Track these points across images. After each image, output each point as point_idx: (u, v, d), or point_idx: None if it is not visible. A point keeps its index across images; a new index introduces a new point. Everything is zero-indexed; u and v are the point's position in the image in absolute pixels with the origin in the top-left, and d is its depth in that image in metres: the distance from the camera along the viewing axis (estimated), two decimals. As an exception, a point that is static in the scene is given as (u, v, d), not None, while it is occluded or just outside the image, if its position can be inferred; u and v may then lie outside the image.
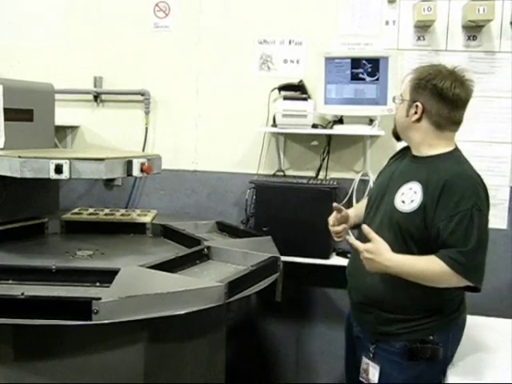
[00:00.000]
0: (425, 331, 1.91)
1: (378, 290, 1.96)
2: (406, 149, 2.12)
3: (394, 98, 2.13)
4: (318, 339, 3.17)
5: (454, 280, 1.79)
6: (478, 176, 1.91)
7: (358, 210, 2.29)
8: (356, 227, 2.23)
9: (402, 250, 1.87)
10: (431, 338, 1.90)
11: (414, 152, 2.02)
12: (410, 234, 1.88)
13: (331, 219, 2.21)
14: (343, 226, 2.20)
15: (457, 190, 1.81)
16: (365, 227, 1.92)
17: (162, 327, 1.94)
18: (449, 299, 1.95)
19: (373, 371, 1.98)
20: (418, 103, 1.94)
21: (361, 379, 2.02)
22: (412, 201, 1.88)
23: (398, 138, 2.12)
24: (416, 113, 1.95)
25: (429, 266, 1.81)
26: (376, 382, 1.96)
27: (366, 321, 2.04)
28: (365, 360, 2.02)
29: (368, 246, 1.87)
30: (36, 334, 1.80)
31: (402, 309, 1.93)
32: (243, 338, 3.17)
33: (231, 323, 2.53)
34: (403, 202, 1.91)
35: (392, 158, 2.23)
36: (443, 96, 1.90)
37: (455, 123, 1.97)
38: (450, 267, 1.77)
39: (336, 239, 2.24)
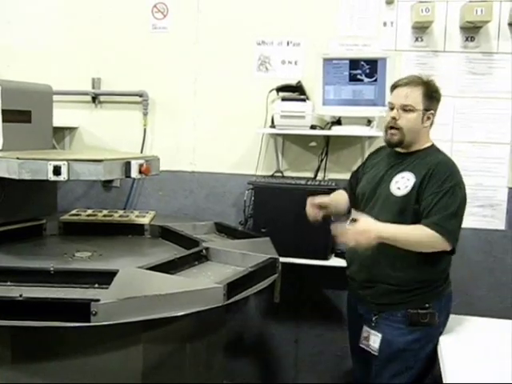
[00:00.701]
0: (421, 300, 2.19)
1: (381, 266, 2.20)
2: (382, 148, 2.45)
3: (394, 107, 2.23)
4: (316, 340, 3.17)
5: (437, 244, 2.08)
6: (454, 162, 2.23)
7: (333, 199, 2.51)
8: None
9: None
10: (427, 305, 2.19)
11: (403, 149, 2.28)
12: (406, 213, 2.17)
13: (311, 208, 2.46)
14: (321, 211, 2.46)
15: (441, 172, 2.15)
16: (355, 215, 2.17)
17: (161, 329, 1.94)
18: (437, 272, 2.23)
19: (374, 338, 2.25)
20: (432, 111, 2.24)
21: (361, 345, 2.30)
22: (406, 186, 2.18)
23: (396, 146, 2.27)
24: (429, 118, 2.24)
25: (415, 231, 2.10)
26: (377, 347, 2.22)
27: (370, 295, 2.26)
28: (366, 329, 2.29)
29: (358, 223, 2.08)
30: (34, 336, 1.80)
31: (402, 281, 2.19)
32: (242, 339, 3.17)
33: (230, 324, 2.52)
34: (398, 188, 2.20)
35: (371, 157, 2.51)
36: (439, 102, 2.27)
37: None
38: (435, 231, 2.06)
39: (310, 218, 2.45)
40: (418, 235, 2.09)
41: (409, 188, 2.16)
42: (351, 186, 2.53)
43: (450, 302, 2.31)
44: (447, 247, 2.09)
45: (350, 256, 2.37)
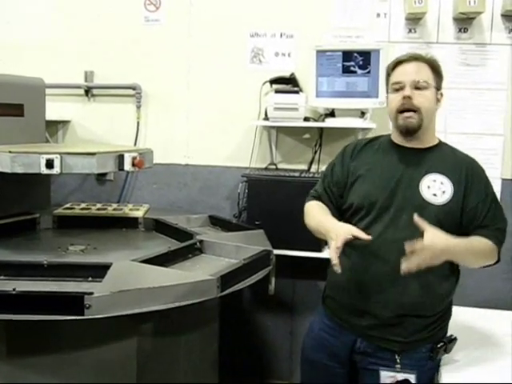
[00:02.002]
0: (442, 329, 1.94)
1: (419, 297, 1.85)
2: (369, 143, 2.05)
3: (405, 86, 1.86)
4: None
5: (494, 256, 1.87)
6: None
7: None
8: None
9: None
10: (449, 334, 1.94)
11: (414, 144, 1.93)
12: (449, 224, 1.82)
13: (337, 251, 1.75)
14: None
15: (480, 175, 1.91)
16: (417, 219, 1.71)
17: (155, 321, 1.94)
18: (450, 288, 1.95)
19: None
20: (441, 91, 1.94)
21: None
22: (444, 192, 1.85)
23: (415, 132, 1.89)
24: (439, 100, 1.93)
25: (480, 245, 1.82)
26: None
27: (394, 333, 1.87)
28: (387, 374, 1.87)
29: (433, 239, 1.66)
30: (28, 330, 1.80)
31: (433, 312, 1.89)
32: (236, 332, 3.17)
33: (224, 317, 2.53)
34: (435, 195, 1.85)
35: (356, 155, 2.03)
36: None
37: None
38: (495, 244, 1.83)
39: (335, 262, 1.72)
40: (484, 249, 1.82)
41: (448, 194, 1.84)
42: (330, 197, 2.05)
43: None
44: (494, 261, 1.88)
45: (352, 280, 1.89)
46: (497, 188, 2.92)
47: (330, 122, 2.88)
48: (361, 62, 2.76)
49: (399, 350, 1.86)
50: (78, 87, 3.22)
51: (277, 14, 3.03)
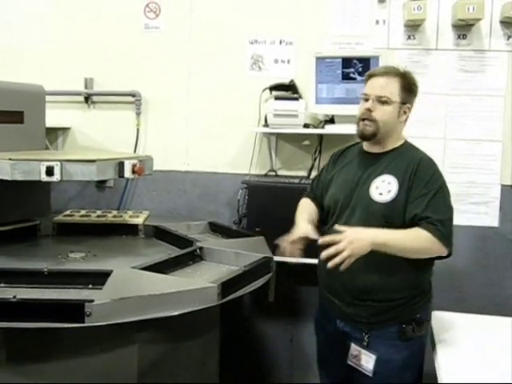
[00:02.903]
0: (413, 311, 2.07)
1: (372, 282, 2.04)
2: (346, 150, 2.29)
3: (369, 98, 2.08)
4: (311, 339, 3.13)
5: (435, 248, 1.96)
6: (433, 159, 2.12)
7: (310, 217, 2.23)
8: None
9: None
10: (418, 315, 2.07)
11: (376, 149, 2.14)
12: (393, 220, 2.00)
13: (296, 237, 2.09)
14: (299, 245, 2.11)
15: (425, 171, 2.03)
16: (339, 227, 1.94)
17: (155, 329, 1.94)
18: (425, 279, 2.12)
19: (366, 358, 2.07)
20: (409, 105, 2.11)
21: (349, 363, 2.12)
22: (389, 191, 2.02)
23: (369, 138, 2.11)
24: (405, 113, 2.11)
25: (411, 235, 1.95)
26: (371, 368, 2.05)
27: (358, 314, 2.09)
28: (355, 347, 2.10)
29: (347, 232, 1.89)
30: (28, 337, 1.79)
31: (394, 295, 2.04)
32: (237, 339, 3.17)
33: (224, 324, 2.52)
34: (381, 194, 2.04)
35: (336, 160, 2.30)
36: (416, 96, 2.14)
37: None
38: (433, 235, 1.93)
39: (285, 253, 2.10)
40: (416, 239, 1.95)
41: (392, 193, 2.01)
42: (316, 195, 2.32)
43: (431, 307, 2.21)
44: (444, 252, 1.97)
45: (327, 271, 2.01)
46: (496, 194, 2.94)
47: (329, 129, 2.88)
48: (360, 69, 2.77)
49: (366, 329, 2.07)
50: (78, 94, 3.22)
51: (276, 21, 3.04)
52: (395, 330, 2.05)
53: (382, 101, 2.05)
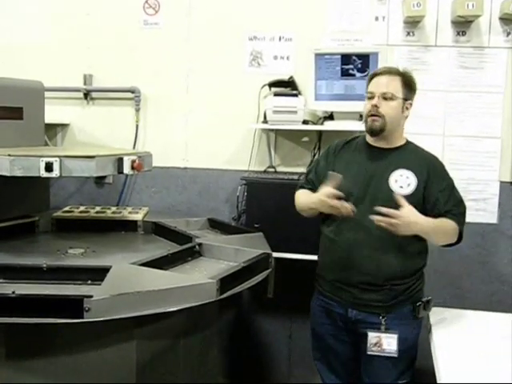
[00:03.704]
0: (420, 291, 2.25)
1: (393, 266, 2.17)
2: (347, 143, 2.35)
3: (375, 96, 2.18)
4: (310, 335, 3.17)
5: (455, 237, 2.18)
6: None
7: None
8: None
9: None
10: (423, 296, 2.25)
11: (382, 144, 2.24)
12: None
13: (329, 193, 2.10)
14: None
15: (440, 168, 2.23)
16: (398, 197, 2.05)
17: (154, 324, 1.94)
18: (423, 262, 2.27)
19: (389, 341, 2.17)
20: (411, 101, 2.23)
21: (369, 352, 2.18)
22: (409, 184, 2.16)
23: (377, 133, 2.20)
24: (407, 109, 2.23)
25: (447, 225, 2.14)
26: (395, 348, 2.16)
27: (374, 299, 2.18)
28: (373, 334, 2.18)
29: (406, 211, 2.01)
30: (28, 333, 1.80)
31: (409, 277, 2.20)
32: (236, 335, 3.17)
33: (223, 320, 2.53)
34: (401, 187, 2.16)
35: (336, 152, 2.34)
36: (415, 94, 2.26)
37: None
38: (457, 225, 2.15)
39: (344, 213, 2.09)
40: (450, 229, 2.15)
41: (412, 187, 2.15)
42: (315, 187, 2.29)
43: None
44: (455, 240, 2.20)
45: (336, 259, 2.22)
46: (495, 190, 2.94)
47: (328, 125, 2.89)
48: (359, 65, 2.77)
49: (384, 313, 2.18)
50: (77, 90, 3.22)
51: (275, 18, 3.04)
52: (408, 309, 2.21)
53: (387, 97, 2.17)
